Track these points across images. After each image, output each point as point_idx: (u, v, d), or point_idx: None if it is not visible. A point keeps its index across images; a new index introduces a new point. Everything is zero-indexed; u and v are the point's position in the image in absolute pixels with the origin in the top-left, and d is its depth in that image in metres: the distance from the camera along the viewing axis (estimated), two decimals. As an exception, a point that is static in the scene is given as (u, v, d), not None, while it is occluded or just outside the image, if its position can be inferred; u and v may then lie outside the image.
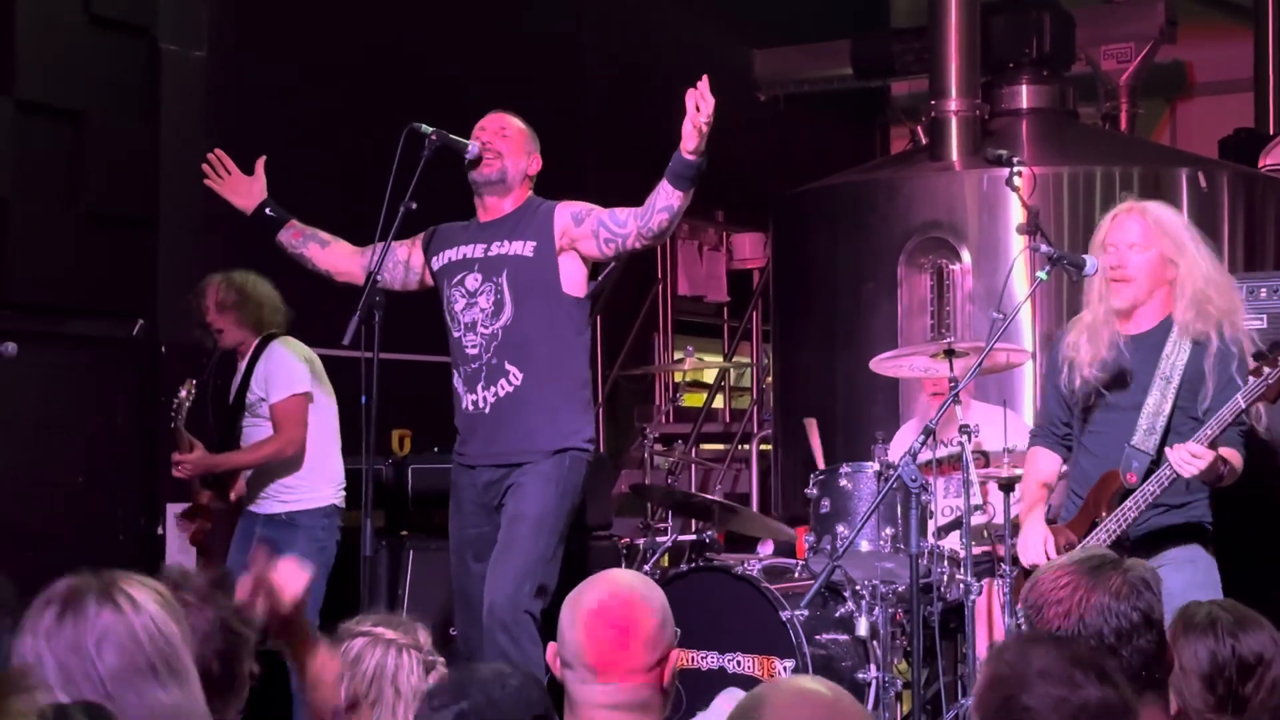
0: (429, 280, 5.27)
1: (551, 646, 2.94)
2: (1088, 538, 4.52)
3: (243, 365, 6.08)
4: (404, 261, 5.27)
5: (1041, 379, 4.98)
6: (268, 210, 5.38)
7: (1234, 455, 4.44)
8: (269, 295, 6.12)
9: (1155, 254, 4.49)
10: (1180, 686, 2.95)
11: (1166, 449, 4.38)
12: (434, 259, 5.22)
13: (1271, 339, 4.80)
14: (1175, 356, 4.48)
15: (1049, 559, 4.51)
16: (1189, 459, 4.29)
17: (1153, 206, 4.57)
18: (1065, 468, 4.87)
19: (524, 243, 5.08)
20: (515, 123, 5.23)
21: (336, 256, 5.32)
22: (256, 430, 5.96)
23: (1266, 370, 4.29)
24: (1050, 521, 4.75)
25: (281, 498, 5.93)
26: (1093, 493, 4.58)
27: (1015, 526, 4.92)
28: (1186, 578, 4.31)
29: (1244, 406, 4.31)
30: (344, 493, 6.03)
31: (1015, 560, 4.79)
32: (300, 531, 5.87)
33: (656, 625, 2.89)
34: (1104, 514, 4.51)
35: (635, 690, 2.85)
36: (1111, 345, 4.53)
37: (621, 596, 2.89)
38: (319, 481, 5.97)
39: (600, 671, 2.83)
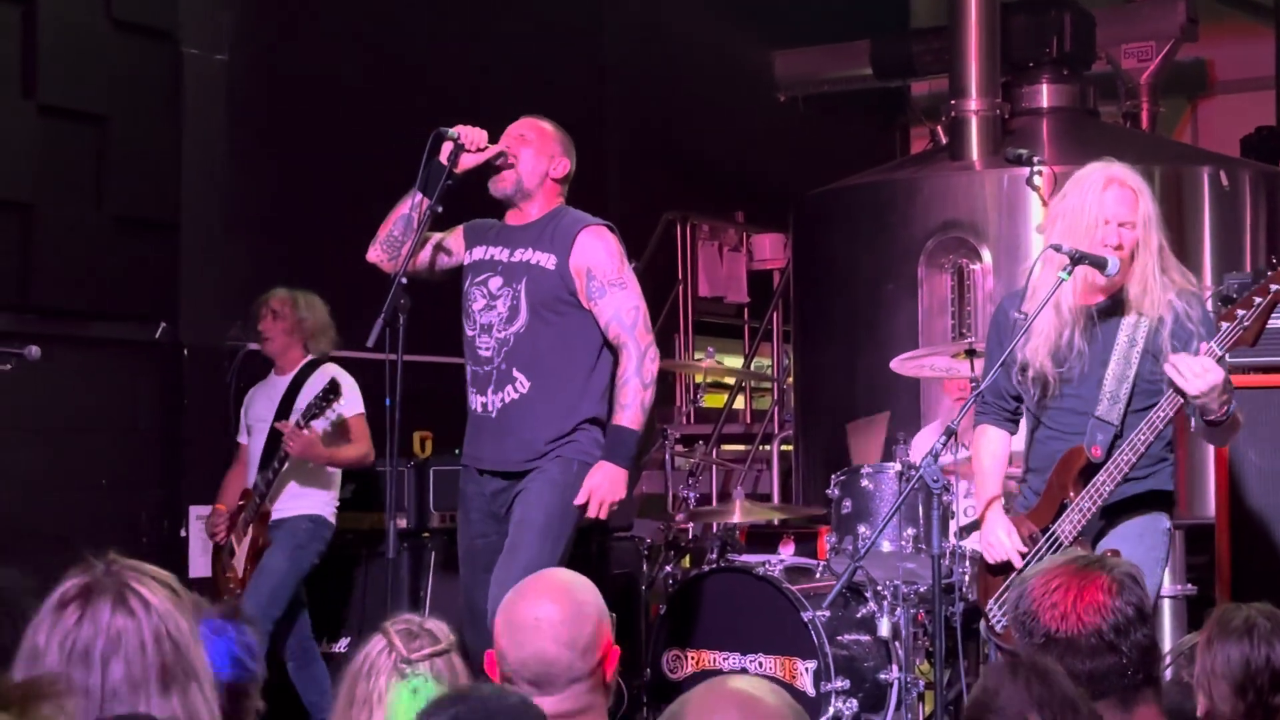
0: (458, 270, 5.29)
1: (489, 654, 2.93)
2: (1059, 521, 4.37)
3: (285, 381, 6.46)
4: (445, 247, 5.25)
5: (986, 345, 4.80)
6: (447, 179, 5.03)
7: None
8: (323, 319, 6.53)
9: (1138, 232, 4.37)
10: (1209, 689, 2.92)
11: (1171, 357, 4.19)
12: (467, 254, 5.23)
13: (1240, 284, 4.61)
14: (1135, 328, 4.36)
15: (1013, 558, 4.46)
16: (1200, 371, 4.08)
17: (1133, 179, 4.41)
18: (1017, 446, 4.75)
19: (547, 255, 5.06)
20: (541, 126, 5.18)
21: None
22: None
23: (1240, 313, 4.16)
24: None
25: (283, 505, 6.36)
26: (1056, 473, 4.41)
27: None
28: (1131, 549, 4.16)
29: (1220, 354, 4.16)
30: (336, 508, 6.43)
31: (979, 559, 4.63)
32: (285, 529, 6.31)
33: (592, 629, 2.89)
34: (1072, 494, 4.36)
35: (578, 697, 2.86)
36: (1075, 317, 4.41)
37: (560, 606, 2.88)
38: (312, 493, 6.36)
39: (541, 684, 2.82)
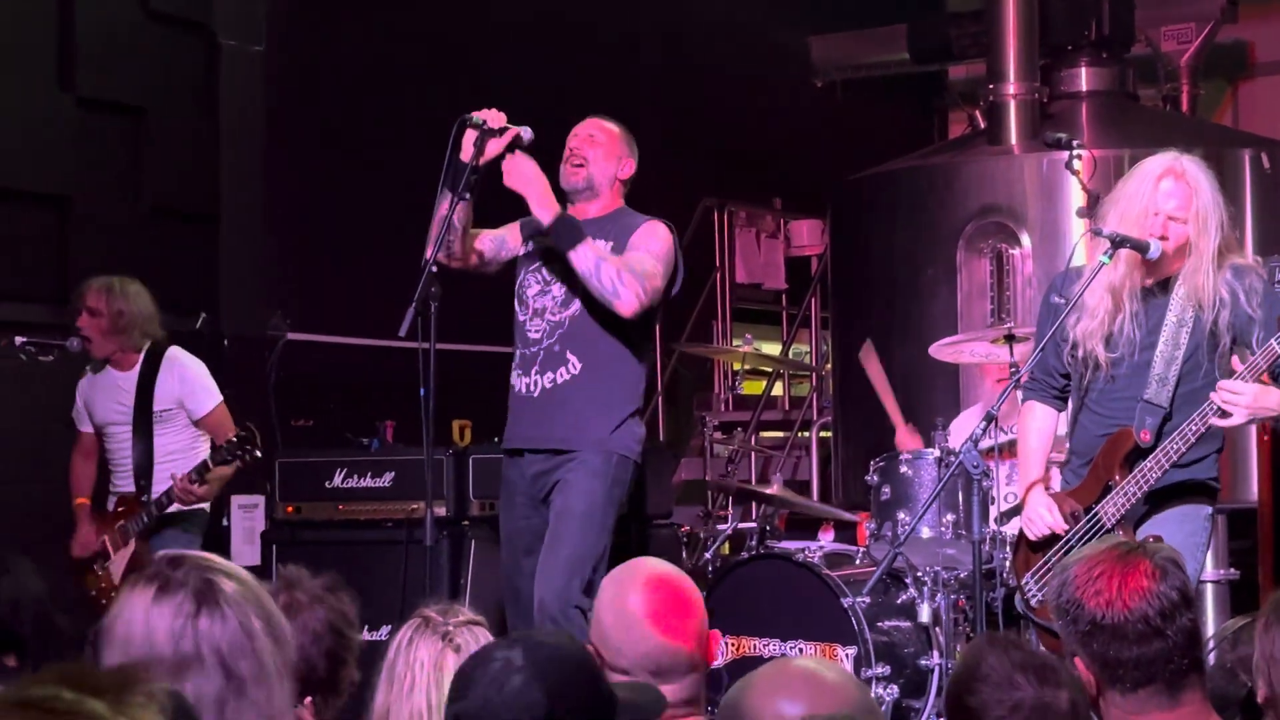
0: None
1: (590, 647, 2.90)
2: (1102, 502, 4.35)
3: (130, 376, 6.07)
4: (502, 242, 5.26)
5: (1037, 327, 4.77)
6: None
7: None
8: (145, 307, 6.10)
9: (1189, 226, 4.32)
10: (1269, 674, 2.90)
11: (1213, 392, 4.16)
12: (523, 246, 5.25)
13: None
14: (1184, 310, 4.32)
15: (1055, 529, 4.44)
16: (1232, 399, 4.08)
17: (1193, 174, 4.36)
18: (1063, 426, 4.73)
19: (605, 243, 5.08)
20: (608, 127, 5.22)
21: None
22: (165, 440, 6.04)
23: None
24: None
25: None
26: (1102, 454, 4.39)
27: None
28: (1171, 534, 4.15)
29: None
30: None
31: (1021, 538, 4.60)
32: (178, 529, 6.04)
33: (703, 615, 2.89)
34: (1117, 477, 4.33)
35: (695, 684, 2.86)
36: (1126, 301, 4.38)
37: (672, 594, 2.86)
38: None
39: (663, 674, 2.80)
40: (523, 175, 4.94)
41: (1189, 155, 4.42)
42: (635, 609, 2.82)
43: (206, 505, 6.22)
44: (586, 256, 4.94)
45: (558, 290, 5.10)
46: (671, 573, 2.94)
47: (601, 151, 5.16)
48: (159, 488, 5.99)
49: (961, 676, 2.66)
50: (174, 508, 6.04)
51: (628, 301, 4.94)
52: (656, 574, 2.92)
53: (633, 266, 4.97)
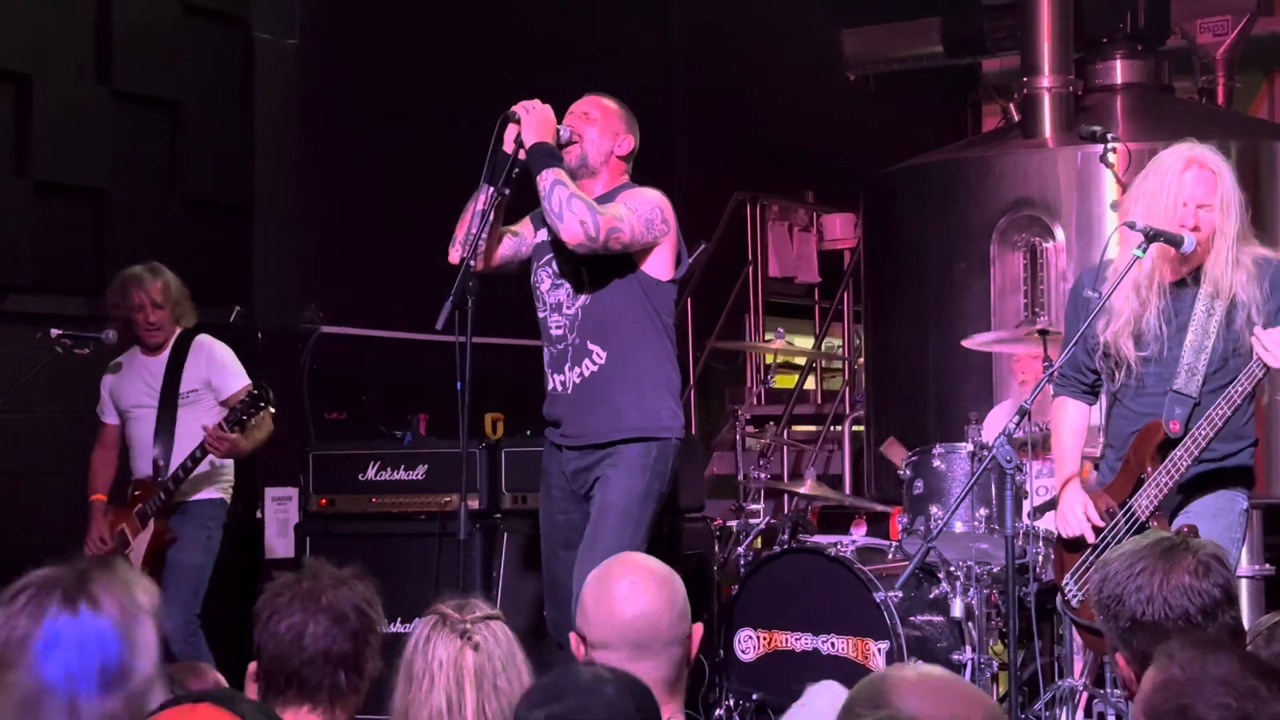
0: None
1: (573, 636, 3.00)
2: (1136, 496, 4.34)
3: (160, 360, 6.17)
4: (519, 238, 5.23)
5: (1064, 323, 4.75)
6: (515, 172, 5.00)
7: None
8: (184, 289, 6.25)
9: (1216, 212, 4.31)
10: None
11: (1256, 330, 4.15)
12: (534, 238, 5.23)
13: None
14: (1213, 301, 4.31)
15: (1091, 527, 4.43)
16: (1276, 343, 4.05)
17: (1214, 161, 4.35)
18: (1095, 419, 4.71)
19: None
20: (605, 104, 5.16)
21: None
22: (187, 423, 6.08)
23: None
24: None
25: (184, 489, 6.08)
26: (1133, 448, 4.38)
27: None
28: (1206, 529, 4.08)
29: None
30: (231, 488, 6.27)
31: (1059, 539, 4.58)
32: (192, 517, 6.08)
33: (684, 593, 3.01)
34: (1149, 469, 4.32)
35: (672, 664, 2.95)
36: (1153, 298, 4.37)
37: (653, 574, 3.01)
38: (217, 475, 6.16)
39: (641, 648, 2.90)
40: (533, 111, 4.92)
41: (1203, 145, 4.42)
42: (615, 586, 2.98)
43: (227, 497, 6.23)
44: (546, 177, 4.86)
45: (568, 282, 5.06)
46: (653, 560, 3.10)
47: (597, 129, 5.08)
48: (177, 466, 6.02)
49: (1186, 680, 2.23)
50: (195, 496, 6.07)
51: (570, 227, 4.83)
52: (637, 560, 3.09)
53: (592, 203, 4.88)
